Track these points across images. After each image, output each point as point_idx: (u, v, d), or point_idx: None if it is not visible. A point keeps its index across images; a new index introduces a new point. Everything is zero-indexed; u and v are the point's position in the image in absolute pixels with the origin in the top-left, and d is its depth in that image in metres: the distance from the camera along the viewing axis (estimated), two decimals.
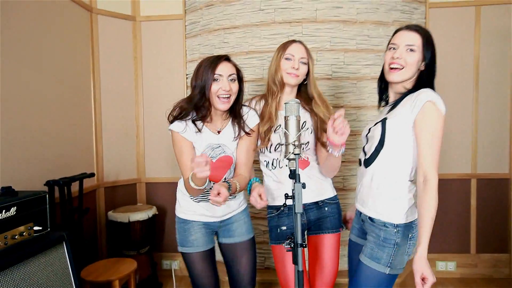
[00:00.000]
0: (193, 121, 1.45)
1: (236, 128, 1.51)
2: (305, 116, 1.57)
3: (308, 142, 1.56)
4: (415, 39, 1.30)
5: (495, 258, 2.77)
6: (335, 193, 1.65)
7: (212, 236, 1.61)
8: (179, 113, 1.45)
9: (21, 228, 1.39)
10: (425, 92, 1.28)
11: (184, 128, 1.44)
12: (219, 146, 1.50)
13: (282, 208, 1.56)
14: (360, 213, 1.46)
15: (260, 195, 1.38)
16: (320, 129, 1.54)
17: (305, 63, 1.51)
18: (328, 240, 1.60)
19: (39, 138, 2.06)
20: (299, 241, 1.19)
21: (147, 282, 2.54)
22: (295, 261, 1.20)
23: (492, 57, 2.69)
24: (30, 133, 1.99)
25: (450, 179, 2.76)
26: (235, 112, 1.52)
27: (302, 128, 1.49)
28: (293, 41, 1.55)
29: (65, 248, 1.59)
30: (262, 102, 1.63)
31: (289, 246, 1.25)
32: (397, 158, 1.33)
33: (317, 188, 1.59)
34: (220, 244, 1.64)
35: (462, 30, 2.70)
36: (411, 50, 1.30)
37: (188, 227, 1.54)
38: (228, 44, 2.53)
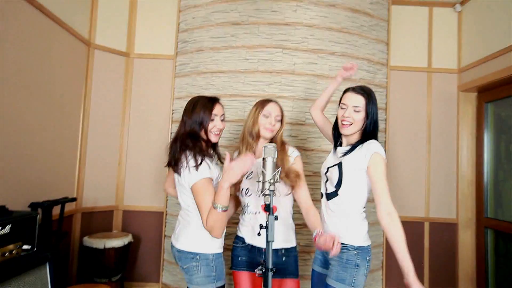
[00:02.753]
0: (207, 157, 1.57)
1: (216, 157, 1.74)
2: None
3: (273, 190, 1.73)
4: (360, 101, 1.59)
5: None
6: (295, 244, 1.76)
7: None
8: (201, 158, 1.52)
9: (11, 246, 1.48)
10: (372, 144, 1.57)
11: (210, 172, 1.53)
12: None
13: (247, 243, 1.74)
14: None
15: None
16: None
17: (279, 120, 1.75)
18: (290, 284, 1.70)
19: (24, 161, 2.15)
20: (270, 266, 1.38)
21: None
22: (265, 285, 1.38)
23: (441, 116, 3.13)
24: (16, 156, 2.08)
25: (406, 221, 3.04)
26: (215, 144, 1.72)
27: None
28: (270, 100, 1.76)
29: (48, 269, 1.66)
30: (236, 154, 1.82)
31: (261, 271, 1.43)
32: (352, 194, 1.61)
33: (282, 235, 1.73)
34: None
35: (417, 90, 3.14)
36: (357, 111, 1.60)
37: (223, 259, 1.62)
38: (214, 86, 2.79)
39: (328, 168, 1.69)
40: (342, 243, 1.56)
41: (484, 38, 2.83)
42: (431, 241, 3.07)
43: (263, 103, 1.76)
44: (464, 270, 3.02)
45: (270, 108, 1.73)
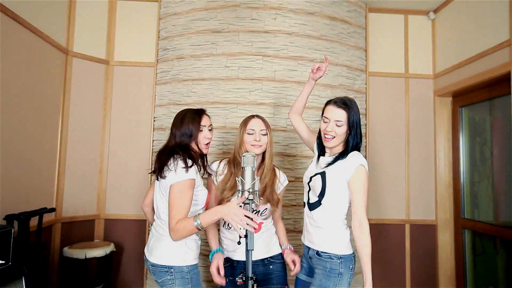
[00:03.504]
0: (196, 165, 1.60)
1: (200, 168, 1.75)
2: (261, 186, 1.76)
3: (265, 208, 1.77)
4: (342, 116, 1.63)
5: None
6: (280, 251, 1.81)
7: None
8: (191, 162, 1.55)
9: None
10: (356, 156, 1.62)
11: (197, 178, 1.58)
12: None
13: (229, 260, 1.77)
14: (308, 250, 1.71)
15: (218, 269, 1.62)
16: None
17: (264, 134, 1.74)
18: None
19: (1, 175, 2.10)
20: (250, 275, 1.40)
21: None
22: None
23: (419, 120, 3.23)
24: None
25: (387, 224, 3.13)
26: (203, 155, 1.76)
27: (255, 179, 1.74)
28: (252, 116, 1.78)
29: (24, 283, 1.63)
30: (222, 165, 1.81)
31: (241, 280, 1.45)
32: (335, 203, 1.65)
33: (265, 245, 1.77)
34: None
35: (396, 95, 3.23)
36: (338, 125, 1.64)
37: (198, 270, 1.64)
38: (195, 93, 2.80)
39: (311, 177, 1.72)
40: (325, 252, 1.62)
41: (457, 45, 2.94)
42: (412, 242, 3.14)
43: (246, 121, 1.78)
44: (444, 270, 3.11)
45: (253, 124, 1.75)
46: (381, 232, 3.12)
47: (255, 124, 1.75)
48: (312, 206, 1.69)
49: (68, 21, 2.84)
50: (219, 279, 1.61)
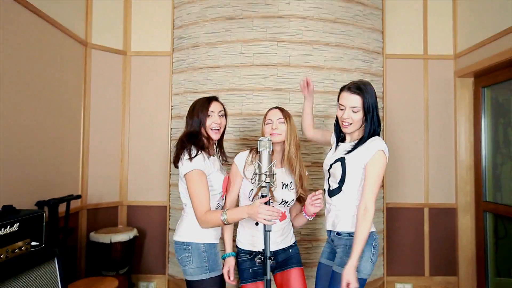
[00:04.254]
0: (203, 150, 1.66)
1: (219, 156, 1.86)
2: (290, 177, 1.80)
3: (293, 199, 1.80)
4: (357, 101, 1.61)
5: (446, 280, 3.09)
6: (295, 240, 1.90)
7: None
8: (196, 151, 1.62)
9: (20, 243, 1.54)
10: (376, 141, 1.61)
11: (206, 166, 1.63)
12: (222, 167, 1.81)
13: (249, 251, 1.78)
14: (330, 233, 1.73)
15: (228, 273, 1.69)
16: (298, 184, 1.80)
17: (282, 122, 1.76)
18: (295, 273, 1.80)
19: (29, 161, 2.21)
20: (268, 255, 1.44)
21: None
22: (264, 272, 1.44)
23: (438, 102, 3.15)
24: (22, 156, 2.15)
25: (406, 207, 3.11)
26: (219, 142, 1.84)
27: (287, 185, 1.79)
28: (271, 108, 1.83)
29: (56, 264, 1.73)
30: (248, 156, 1.79)
31: (260, 260, 1.50)
32: (354, 189, 1.65)
33: (285, 237, 1.83)
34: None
35: (414, 78, 3.16)
36: (354, 111, 1.62)
37: (217, 251, 1.70)
38: (211, 81, 2.83)
39: (331, 165, 1.73)
40: (344, 231, 1.65)
41: (480, 23, 2.83)
42: (431, 226, 3.12)
43: (266, 113, 1.84)
44: (464, 254, 3.08)
45: (271, 115, 1.80)
46: (399, 216, 3.10)
47: (273, 114, 1.79)
48: (332, 193, 1.71)
49: (86, 13, 2.90)
50: (229, 281, 1.70)
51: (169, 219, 3.04)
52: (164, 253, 3.06)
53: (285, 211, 1.81)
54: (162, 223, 3.07)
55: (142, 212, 3.07)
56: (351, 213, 1.65)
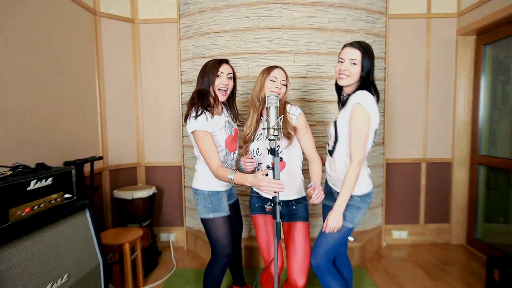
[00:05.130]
0: (207, 110, 1.74)
1: (230, 112, 1.95)
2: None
3: (279, 146, 1.76)
4: (356, 55, 1.61)
5: (439, 227, 3.22)
6: (304, 194, 1.85)
7: None
8: (201, 110, 1.71)
9: (55, 195, 1.65)
10: (357, 95, 1.60)
11: (209, 125, 1.71)
12: (229, 122, 1.88)
13: (259, 195, 1.88)
14: (330, 188, 1.81)
15: (248, 157, 1.76)
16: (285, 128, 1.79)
17: (284, 84, 1.79)
18: (299, 227, 1.80)
19: (54, 128, 2.29)
20: (277, 201, 1.52)
21: (148, 251, 2.82)
22: (274, 216, 1.53)
23: (440, 61, 3.10)
24: (48, 123, 2.23)
25: (405, 163, 3.17)
26: (229, 101, 1.92)
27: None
28: (275, 66, 1.80)
29: (88, 214, 1.86)
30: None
31: (270, 206, 1.58)
32: (346, 147, 1.66)
33: (287, 189, 1.78)
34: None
35: (417, 37, 3.08)
36: (354, 63, 1.62)
37: (220, 196, 1.85)
38: (218, 46, 2.81)
39: (330, 126, 1.77)
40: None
41: None
42: (428, 179, 3.19)
43: (269, 69, 1.81)
44: (457, 203, 3.18)
45: (276, 73, 1.79)
46: (398, 171, 3.18)
47: (278, 73, 1.79)
48: (331, 153, 1.75)
49: None
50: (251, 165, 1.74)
51: (184, 178, 3.16)
52: (182, 208, 3.22)
53: (284, 161, 1.80)
54: (178, 181, 3.19)
55: (159, 172, 3.19)
56: (345, 171, 1.66)
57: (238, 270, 2.24)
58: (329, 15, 2.72)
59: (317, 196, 1.67)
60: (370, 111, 1.57)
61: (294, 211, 1.85)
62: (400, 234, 3.21)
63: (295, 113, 1.83)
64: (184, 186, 3.16)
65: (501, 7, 2.51)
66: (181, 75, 3.07)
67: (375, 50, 2.93)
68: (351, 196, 1.67)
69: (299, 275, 1.76)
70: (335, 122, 1.70)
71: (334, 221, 1.62)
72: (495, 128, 2.93)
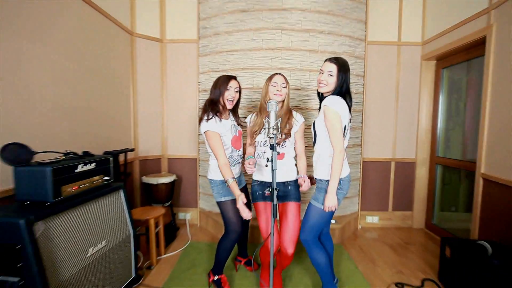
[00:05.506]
0: (217, 115, 1.78)
1: (234, 119, 1.95)
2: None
3: (285, 141, 1.84)
4: (333, 68, 1.63)
5: (403, 214, 3.24)
6: (295, 178, 1.89)
7: None
8: (211, 115, 1.76)
9: (97, 177, 1.68)
10: (325, 100, 1.62)
11: (217, 127, 1.75)
12: (234, 125, 1.89)
13: (259, 181, 1.90)
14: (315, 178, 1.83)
15: (249, 163, 1.76)
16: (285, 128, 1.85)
17: (284, 87, 1.82)
18: (291, 206, 1.84)
19: (97, 124, 2.32)
20: (275, 187, 1.55)
21: (169, 226, 2.84)
22: (272, 199, 1.56)
23: (407, 80, 3.12)
24: (92, 120, 2.25)
25: (378, 161, 3.19)
26: (234, 110, 1.94)
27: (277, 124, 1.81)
28: (276, 74, 1.84)
29: (122, 194, 1.88)
30: (254, 115, 1.94)
31: (268, 191, 1.61)
32: (323, 142, 1.69)
33: (285, 172, 1.86)
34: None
35: (389, 60, 3.11)
36: (330, 75, 1.64)
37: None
38: (229, 62, 2.83)
39: (311, 127, 1.79)
40: (319, 179, 1.71)
41: (444, 14, 2.74)
42: (396, 175, 3.21)
43: (271, 77, 1.84)
44: (418, 196, 3.20)
45: (276, 79, 1.81)
46: (372, 168, 3.20)
47: (278, 79, 1.81)
48: (313, 145, 1.77)
49: (131, 6, 2.86)
50: (252, 169, 1.75)
51: (199, 168, 3.18)
52: (196, 193, 3.24)
53: (283, 153, 1.86)
54: (194, 171, 3.21)
55: (179, 163, 3.21)
56: (323, 162, 1.69)
57: (244, 245, 2.26)
58: (319, 40, 2.75)
59: (305, 184, 1.75)
60: (337, 109, 1.58)
61: (289, 191, 1.87)
62: (372, 219, 3.23)
63: (299, 121, 1.89)
64: (199, 175, 3.18)
65: (456, 38, 2.54)
66: (199, 85, 3.10)
67: (356, 70, 2.96)
68: (321, 181, 1.69)
69: (289, 245, 1.79)
70: (313, 125, 1.72)
71: (330, 201, 1.61)
72: (449, 135, 2.96)
